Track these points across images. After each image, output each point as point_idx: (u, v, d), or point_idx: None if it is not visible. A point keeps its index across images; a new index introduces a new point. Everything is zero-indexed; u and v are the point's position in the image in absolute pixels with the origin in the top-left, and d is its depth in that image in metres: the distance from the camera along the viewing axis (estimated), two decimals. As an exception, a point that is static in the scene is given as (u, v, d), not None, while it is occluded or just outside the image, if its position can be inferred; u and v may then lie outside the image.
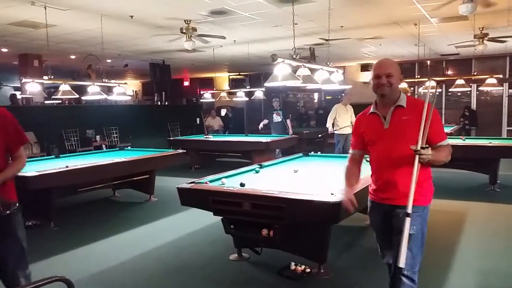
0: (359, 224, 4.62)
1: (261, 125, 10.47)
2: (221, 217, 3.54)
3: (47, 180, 4.56)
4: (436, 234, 4.25)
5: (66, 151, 8.97)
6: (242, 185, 3.47)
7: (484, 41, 7.32)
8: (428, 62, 12.38)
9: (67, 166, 4.90)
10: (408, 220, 2.11)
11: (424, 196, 2.30)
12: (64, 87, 6.36)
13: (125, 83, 8.65)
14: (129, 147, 7.47)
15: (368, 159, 2.53)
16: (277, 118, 9.88)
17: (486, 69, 11.40)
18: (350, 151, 2.57)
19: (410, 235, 2.12)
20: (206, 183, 3.61)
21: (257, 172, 4.36)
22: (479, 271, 3.51)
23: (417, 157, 2.14)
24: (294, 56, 4.70)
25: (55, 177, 4.64)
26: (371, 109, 2.44)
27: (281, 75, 4.48)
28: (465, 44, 7.78)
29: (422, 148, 2.12)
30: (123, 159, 5.62)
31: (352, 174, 2.53)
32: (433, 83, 7.81)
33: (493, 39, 7.29)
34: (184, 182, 3.62)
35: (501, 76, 8.64)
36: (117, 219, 5.43)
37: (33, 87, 6.73)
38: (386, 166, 2.31)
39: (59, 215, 5.12)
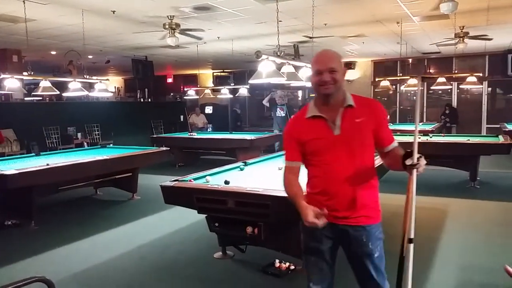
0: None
1: (265, 101, 10.60)
2: (206, 215, 3.52)
3: (27, 179, 4.46)
4: (417, 230, 4.26)
5: (47, 148, 8.79)
6: (226, 182, 3.46)
7: (465, 40, 7.45)
8: (410, 60, 12.56)
9: (47, 164, 4.80)
10: (411, 247, 1.92)
11: (379, 211, 2.03)
12: (45, 83, 6.22)
13: (107, 80, 8.50)
14: (111, 145, 7.37)
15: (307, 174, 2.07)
16: (280, 112, 9.84)
17: (467, 68, 11.62)
18: (287, 163, 2.04)
19: (377, 257, 1.96)
20: (190, 181, 3.59)
21: (241, 169, 4.35)
22: (461, 267, 3.57)
23: (414, 172, 1.85)
24: (278, 53, 4.70)
25: (35, 176, 4.54)
26: (311, 112, 1.99)
27: (265, 72, 4.48)
28: (446, 42, 7.90)
29: (419, 158, 1.82)
30: (104, 157, 5.53)
31: (298, 186, 1.99)
32: (415, 81, 7.91)
33: (474, 37, 7.42)
34: (168, 180, 3.59)
35: (480, 74, 8.80)
36: (99, 217, 5.35)
37: (12, 83, 6.55)
38: (340, 180, 1.91)
39: (40, 214, 5.02)
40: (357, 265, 2.01)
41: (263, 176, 4.02)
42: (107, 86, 8.18)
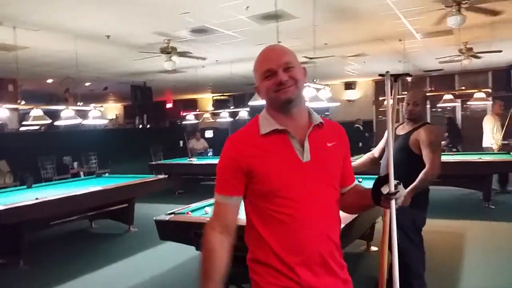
0: (355, 250, 4.35)
1: None
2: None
3: (14, 215, 4.17)
4: (437, 259, 3.98)
5: (42, 179, 8.50)
6: (228, 214, 3.15)
7: (469, 56, 7.26)
8: (409, 79, 12.37)
9: (36, 198, 4.51)
10: None
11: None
12: (35, 112, 5.99)
13: (101, 107, 8.29)
14: (107, 174, 7.10)
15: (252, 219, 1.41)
16: None
17: (469, 84, 11.39)
18: (219, 198, 1.40)
19: None
20: (187, 213, 3.28)
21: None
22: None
23: (393, 204, 1.38)
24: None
25: (23, 211, 4.24)
26: (267, 126, 1.39)
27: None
28: (450, 59, 7.71)
29: (396, 186, 1.37)
30: (99, 188, 5.24)
31: (222, 254, 1.39)
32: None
33: (482, 52, 7.23)
34: (164, 213, 3.29)
35: (490, 90, 8.55)
36: (94, 253, 5.01)
37: (5, 113, 6.34)
38: (311, 227, 1.33)
39: (30, 252, 4.68)
40: None
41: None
42: (104, 113, 7.97)
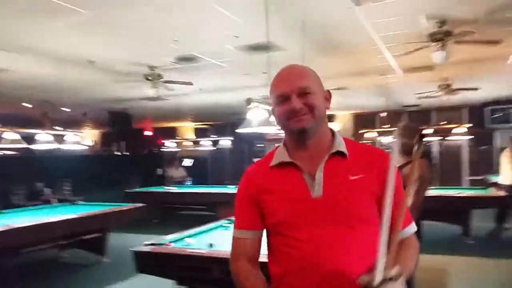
0: None
1: None
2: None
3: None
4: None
5: (13, 206, 8.09)
6: (210, 245, 3.02)
7: (452, 91, 7.47)
8: (386, 113, 12.61)
9: (7, 225, 4.26)
10: None
11: None
12: (9, 135, 5.77)
13: (81, 132, 8.09)
14: (80, 202, 6.83)
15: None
16: None
17: (444, 120, 11.69)
18: (236, 233, 1.36)
19: None
20: (167, 244, 3.11)
21: (226, 228, 3.90)
22: None
23: None
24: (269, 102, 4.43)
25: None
26: (277, 158, 1.30)
27: (256, 121, 4.15)
28: (429, 94, 7.90)
29: (386, 280, 1.02)
30: (71, 216, 5.00)
31: (255, 278, 1.30)
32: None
33: (463, 89, 7.43)
34: (139, 243, 3.09)
35: (471, 124, 8.73)
36: (64, 284, 4.71)
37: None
38: (318, 270, 1.17)
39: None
40: None
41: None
42: (82, 139, 7.76)
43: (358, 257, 1.17)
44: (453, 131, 7.85)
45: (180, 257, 2.86)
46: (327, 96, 1.31)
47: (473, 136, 10.44)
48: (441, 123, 8.78)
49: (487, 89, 8.75)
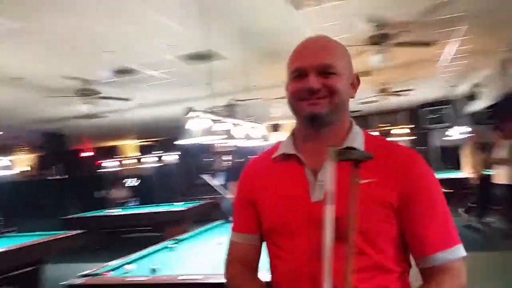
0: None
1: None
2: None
3: None
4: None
5: None
6: (153, 271, 2.73)
7: (387, 95, 7.68)
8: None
9: None
10: None
11: None
12: None
13: (13, 155, 7.43)
14: (13, 232, 6.20)
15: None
16: (211, 181, 8.83)
17: (387, 123, 12.10)
18: (232, 237, 1.20)
19: None
20: (103, 274, 2.77)
21: (172, 249, 3.61)
22: None
23: None
24: (211, 111, 4.21)
25: None
26: (282, 148, 1.12)
27: (196, 131, 3.89)
28: (369, 99, 8.08)
29: None
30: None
31: (249, 280, 1.14)
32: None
33: (400, 91, 7.66)
34: (76, 274, 2.74)
35: (413, 125, 9.04)
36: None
37: None
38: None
39: None
40: None
41: (201, 256, 3.32)
42: (15, 165, 7.11)
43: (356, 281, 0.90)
44: (392, 132, 8.06)
45: (117, 287, 2.55)
46: (355, 82, 1.11)
47: (415, 137, 10.85)
48: (382, 125, 9.01)
49: (423, 91, 9.14)
